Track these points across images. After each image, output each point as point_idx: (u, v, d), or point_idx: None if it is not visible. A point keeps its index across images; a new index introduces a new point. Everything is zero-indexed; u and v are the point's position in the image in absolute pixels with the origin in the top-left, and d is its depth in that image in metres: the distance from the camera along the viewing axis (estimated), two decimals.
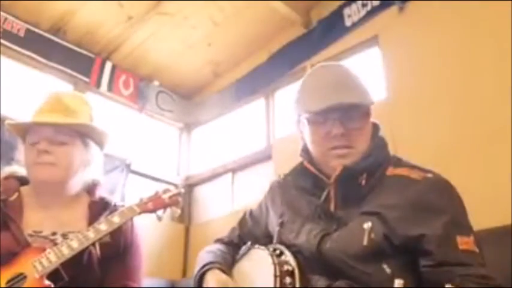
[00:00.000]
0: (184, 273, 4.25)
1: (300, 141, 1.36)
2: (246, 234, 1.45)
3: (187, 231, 4.43)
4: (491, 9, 2.77)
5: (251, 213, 1.50)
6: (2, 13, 3.60)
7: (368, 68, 3.53)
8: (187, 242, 4.40)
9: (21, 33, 3.71)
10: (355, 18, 3.51)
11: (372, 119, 1.33)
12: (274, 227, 1.35)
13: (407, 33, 3.22)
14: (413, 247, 1.10)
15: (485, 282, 1.04)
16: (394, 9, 3.30)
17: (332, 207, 1.24)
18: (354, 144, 1.25)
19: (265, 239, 1.37)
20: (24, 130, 1.46)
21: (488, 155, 2.57)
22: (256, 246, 1.31)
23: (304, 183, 1.33)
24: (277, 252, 1.22)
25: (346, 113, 1.24)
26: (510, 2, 2.65)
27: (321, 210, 1.25)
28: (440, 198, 1.16)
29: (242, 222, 1.50)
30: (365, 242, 1.11)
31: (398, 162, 1.29)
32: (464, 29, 2.92)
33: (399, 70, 3.23)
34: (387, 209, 1.15)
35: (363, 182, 1.22)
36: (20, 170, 1.51)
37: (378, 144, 1.30)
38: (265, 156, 4.00)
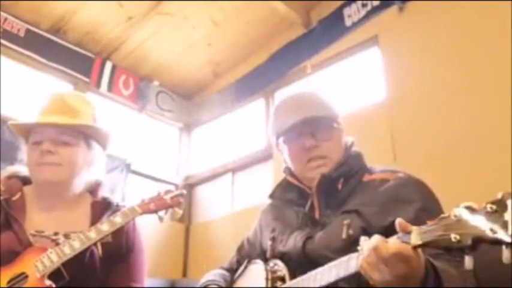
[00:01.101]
0: (184, 273, 4.25)
1: (283, 162, 1.49)
2: (244, 258, 1.53)
3: (187, 231, 4.43)
4: (492, 9, 2.78)
5: (248, 239, 1.61)
6: (2, 13, 3.60)
7: (368, 68, 3.53)
8: (187, 242, 4.40)
9: (21, 33, 3.71)
10: (355, 18, 3.52)
11: (347, 137, 1.46)
12: (266, 243, 1.44)
13: (407, 33, 3.22)
14: (389, 235, 1.14)
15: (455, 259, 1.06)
16: (394, 9, 3.30)
17: (317, 214, 1.35)
18: (327, 154, 1.36)
19: (262, 256, 1.44)
20: (27, 130, 1.46)
21: (488, 154, 2.58)
22: (253, 261, 1.42)
23: (290, 195, 1.45)
24: (271, 264, 1.33)
25: (315, 126, 1.37)
26: (510, 2, 2.65)
27: (307, 218, 1.36)
28: (411, 190, 1.25)
29: (240, 248, 1.62)
30: (343, 236, 1.20)
31: (373, 170, 1.40)
32: (464, 29, 2.92)
33: (399, 70, 3.23)
34: (364, 206, 1.25)
35: (339, 186, 1.33)
36: (22, 169, 1.52)
37: (353, 154, 1.42)
38: (265, 156, 4.00)
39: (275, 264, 1.31)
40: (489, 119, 2.64)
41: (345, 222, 1.22)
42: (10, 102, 3.45)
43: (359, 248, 0.98)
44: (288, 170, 1.45)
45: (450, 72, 2.92)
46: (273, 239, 1.40)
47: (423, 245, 0.87)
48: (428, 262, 0.97)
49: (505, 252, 0.75)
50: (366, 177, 1.36)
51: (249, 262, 1.44)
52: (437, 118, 2.89)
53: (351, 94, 3.54)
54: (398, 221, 0.94)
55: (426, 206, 1.20)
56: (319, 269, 1.12)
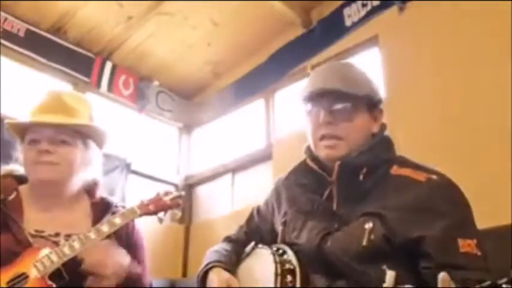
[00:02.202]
0: (184, 273, 4.25)
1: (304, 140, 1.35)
2: (253, 231, 1.44)
3: (187, 231, 4.43)
4: (491, 9, 2.77)
5: (258, 210, 1.49)
6: (2, 13, 3.60)
7: (368, 68, 3.52)
8: (187, 242, 4.40)
9: (21, 33, 3.71)
10: (355, 18, 3.52)
11: (382, 120, 1.32)
12: (278, 226, 1.35)
13: (407, 33, 3.22)
14: (413, 249, 1.09)
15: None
16: (394, 9, 3.30)
17: (334, 206, 1.23)
18: (342, 135, 1.22)
19: (271, 236, 1.36)
20: (23, 129, 1.45)
21: (488, 154, 2.58)
22: (260, 245, 1.31)
23: (306, 180, 1.31)
24: (280, 251, 1.22)
25: (335, 102, 1.23)
26: (510, 2, 2.65)
27: (323, 208, 1.24)
28: (442, 201, 1.14)
29: (249, 219, 1.50)
30: (364, 243, 1.10)
31: (404, 162, 1.27)
32: (464, 29, 2.92)
33: (399, 70, 3.23)
34: (388, 210, 1.13)
35: (361, 177, 1.20)
36: (17, 168, 1.51)
37: (381, 141, 1.28)
38: (265, 156, 4.00)
39: (284, 252, 1.21)
40: (489, 119, 2.64)
41: (367, 226, 1.12)
42: (10, 102, 3.45)
43: (385, 285, 0.93)
44: (308, 151, 1.31)
45: (450, 72, 2.92)
46: (285, 224, 1.30)
47: None
48: None
49: None
50: (395, 170, 1.22)
51: (256, 245, 1.33)
52: (437, 118, 2.89)
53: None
54: (442, 278, 0.85)
55: (457, 221, 1.11)
56: None
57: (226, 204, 4.25)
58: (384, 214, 1.13)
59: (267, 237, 1.36)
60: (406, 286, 0.89)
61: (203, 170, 4.60)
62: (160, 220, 1.48)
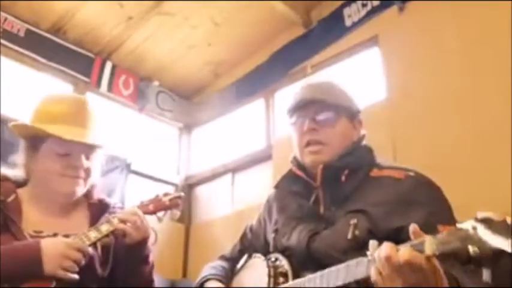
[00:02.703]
0: (184, 273, 4.25)
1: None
2: (247, 248, 1.51)
3: (187, 231, 4.43)
4: (492, 9, 2.77)
5: (251, 227, 1.57)
6: (2, 13, 3.60)
7: (368, 68, 3.53)
8: (187, 242, 4.40)
9: (21, 33, 3.71)
10: (355, 18, 3.52)
11: (363, 130, 1.43)
12: (270, 235, 1.41)
13: (407, 33, 3.22)
14: (396, 238, 1.12)
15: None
16: (394, 9, 3.30)
17: (321, 209, 1.30)
18: (325, 141, 1.33)
19: (264, 250, 1.41)
20: (40, 135, 1.44)
21: (488, 154, 2.58)
22: (254, 255, 1.38)
23: (295, 187, 1.40)
24: (273, 258, 1.29)
25: (317, 111, 1.34)
26: (510, 2, 2.65)
27: (311, 212, 1.31)
28: (421, 193, 1.21)
29: (243, 237, 1.58)
30: (349, 236, 1.17)
31: (383, 166, 1.35)
32: (464, 28, 2.92)
33: (399, 70, 3.23)
34: (372, 206, 1.20)
35: (343, 178, 1.28)
36: (10, 173, 1.50)
37: (361, 147, 1.38)
38: (265, 156, 4.00)
39: (277, 259, 1.28)
40: (489, 119, 2.64)
41: (352, 222, 1.19)
42: (10, 102, 3.45)
43: (368, 253, 0.96)
44: (294, 161, 1.41)
45: (450, 72, 2.92)
46: (276, 232, 1.37)
47: (439, 256, 0.84)
48: (453, 278, 0.93)
49: None
50: (374, 172, 1.31)
51: (250, 256, 1.41)
52: (437, 118, 2.89)
53: (351, 94, 3.54)
54: (413, 227, 0.91)
55: (436, 210, 1.17)
56: (325, 271, 1.09)
57: (226, 204, 4.25)
58: (367, 210, 1.20)
59: (261, 252, 1.41)
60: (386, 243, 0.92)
61: (203, 170, 4.61)
62: (160, 219, 1.52)
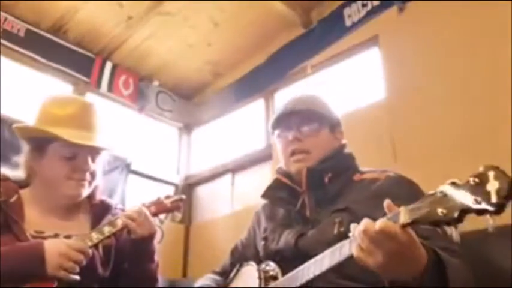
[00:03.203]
0: (184, 273, 4.25)
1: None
2: (238, 260, 1.55)
3: (187, 231, 4.43)
4: (492, 9, 2.77)
5: (242, 241, 1.63)
6: (2, 13, 3.60)
7: (368, 68, 3.53)
8: (187, 242, 4.40)
9: (21, 33, 3.71)
10: (355, 18, 3.52)
11: (344, 140, 1.50)
12: (260, 243, 1.47)
13: (407, 33, 3.22)
14: None
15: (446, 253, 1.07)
16: (394, 9, 3.30)
17: (308, 212, 1.36)
18: (309, 149, 1.40)
19: (256, 259, 1.45)
20: (48, 139, 1.44)
21: (488, 154, 2.58)
22: (244, 263, 1.44)
23: (281, 194, 1.47)
24: (263, 265, 1.34)
25: (301, 121, 1.42)
26: (510, 1, 2.65)
27: (298, 216, 1.38)
28: (401, 189, 1.27)
29: (234, 251, 1.64)
30: (335, 231, 1.23)
31: (364, 171, 1.42)
32: (464, 29, 2.92)
33: (399, 70, 3.23)
34: (354, 203, 1.27)
35: (326, 180, 1.35)
36: (11, 173, 1.50)
37: (343, 153, 1.45)
38: (265, 156, 4.00)
39: (267, 265, 1.33)
40: (489, 119, 2.64)
41: (336, 220, 1.25)
42: (10, 102, 3.45)
43: (350, 234, 1.00)
44: (280, 170, 1.49)
45: (450, 72, 2.92)
46: (266, 239, 1.43)
47: (412, 223, 0.88)
48: (432, 251, 0.97)
49: (489, 221, 0.79)
50: (357, 177, 1.39)
51: (241, 265, 1.46)
52: (437, 118, 2.89)
53: (351, 94, 3.54)
54: (387, 202, 0.95)
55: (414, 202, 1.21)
56: (312, 260, 1.13)
57: (226, 204, 4.25)
58: (351, 207, 1.27)
59: (252, 261, 1.45)
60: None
61: (203, 170, 4.61)
62: (161, 222, 1.52)
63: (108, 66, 4.20)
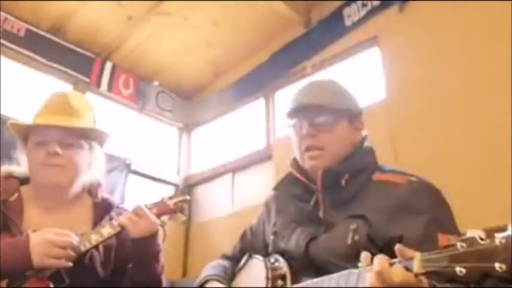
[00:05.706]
0: (184, 273, 4.25)
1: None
2: (247, 248, 1.50)
3: (187, 231, 4.43)
4: (492, 8, 2.77)
5: (251, 228, 1.56)
6: (2, 13, 3.60)
7: (368, 68, 3.53)
8: (187, 242, 4.40)
9: (21, 33, 3.71)
10: (355, 18, 3.52)
11: (364, 131, 1.40)
12: (269, 237, 1.41)
13: (407, 33, 3.22)
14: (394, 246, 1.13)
15: None
16: (394, 9, 3.30)
17: (321, 213, 1.29)
18: (324, 146, 1.31)
19: (264, 251, 1.41)
20: (27, 130, 1.45)
21: (488, 154, 2.58)
22: (254, 256, 1.38)
23: (294, 190, 1.38)
24: (272, 260, 1.29)
25: (316, 115, 1.32)
26: (510, 2, 2.65)
27: (311, 215, 1.31)
28: (422, 200, 1.19)
29: (243, 237, 1.57)
30: (349, 241, 1.16)
31: (384, 170, 1.34)
32: (464, 29, 2.92)
33: (399, 70, 3.23)
34: (372, 211, 1.19)
35: (343, 182, 1.27)
36: (17, 169, 1.50)
37: (362, 150, 1.36)
38: (265, 156, 4.00)
39: (276, 260, 1.28)
40: (489, 119, 2.64)
41: (351, 227, 1.18)
42: (10, 102, 3.45)
43: (360, 264, 0.96)
44: (294, 163, 1.40)
45: (450, 72, 2.92)
46: (275, 234, 1.37)
47: (425, 274, 0.84)
48: None
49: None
50: (376, 176, 1.30)
51: (250, 256, 1.41)
52: (437, 118, 2.89)
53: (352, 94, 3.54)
54: (398, 248, 0.91)
55: (437, 217, 1.15)
56: (317, 280, 1.09)
57: (226, 204, 4.24)
58: (367, 215, 1.19)
59: (261, 252, 1.41)
60: (380, 255, 0.92)
61: (203, 170, 4.60)
62: (164, 223, 1.50)
63: (108, 66, 4.20)
